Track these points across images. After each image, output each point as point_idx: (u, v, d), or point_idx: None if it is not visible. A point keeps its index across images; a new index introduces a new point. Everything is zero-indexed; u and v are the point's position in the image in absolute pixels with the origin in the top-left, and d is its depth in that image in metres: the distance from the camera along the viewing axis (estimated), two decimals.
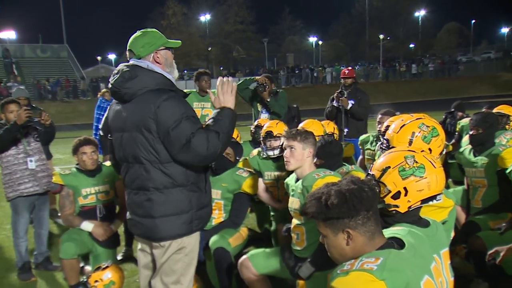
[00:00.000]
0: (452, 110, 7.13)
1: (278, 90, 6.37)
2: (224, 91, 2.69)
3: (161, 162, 2.58)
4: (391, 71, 44.07)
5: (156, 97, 2.53)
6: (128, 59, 2.72)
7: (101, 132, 5.60)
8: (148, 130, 2.53)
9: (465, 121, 6.27)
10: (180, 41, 2.81)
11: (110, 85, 2.67)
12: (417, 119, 2.87)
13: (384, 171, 2.14)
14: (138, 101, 2.58)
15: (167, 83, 2.65)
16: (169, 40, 2.75)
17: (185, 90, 2.86)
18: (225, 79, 2.74)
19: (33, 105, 6.18)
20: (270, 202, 4.49)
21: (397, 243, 1.84)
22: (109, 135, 2.88)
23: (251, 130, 5.59)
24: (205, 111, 6.18)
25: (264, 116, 6.26)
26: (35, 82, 34.76)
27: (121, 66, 2.68)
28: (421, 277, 1.72)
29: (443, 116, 7.18)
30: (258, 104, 6.38)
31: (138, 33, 2.72)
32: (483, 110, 6.06)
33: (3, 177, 4.58)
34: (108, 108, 2.95)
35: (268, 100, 6.03)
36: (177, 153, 2.53)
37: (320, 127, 4.96)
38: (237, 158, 4.28)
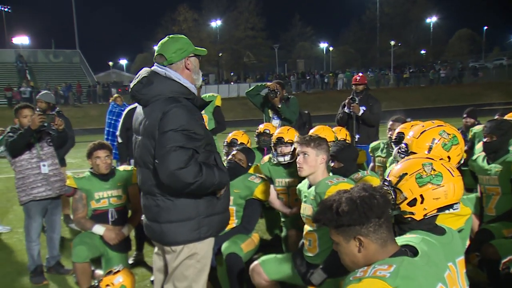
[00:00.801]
0: (465, 116, 7.11)
1: (289, 96, 6.35)
2: None
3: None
4: (402, 78, 43.89)
5: (165, 105, 2.53)
6: (154, 62, 2.72)
7: (119, 139, 5.60)
8: (153, 137, 2.55)
9: (477, 128, 6.24)
10: (206, 50, 2.81)
11: (130, 89, 2.71)
12: (438, 126, 2.85)
13: (401, 177, 2.13)
14: (152, 107, 2.60)
15: (183, 91, 2.64)
16: (197, 47, 2.75)
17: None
18: None
19: (59, 111, 6.23)
20: (282, 208, 4.48)
21: (411, 250, 1.83)
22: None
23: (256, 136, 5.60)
24: None
25: (275, 122, 6.26)
26: (48, 87, 35.07)
27: (143, 71, 2.70)
28: (435, 285, 1.72)
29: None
30: (269, 110, 6.38)
31: (167, 38, 2.71)
32: (496, 117, 6.02)
33: (16, 181, 4.61)
34: (126, 109, 2.99)
35: (279, 106, 6.02)
36: (157, 157, 2.50)
37: (331, 133, 4.95)
38: (249, 164, 4.28)
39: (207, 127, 6.21)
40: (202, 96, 6.05)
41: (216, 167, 2.66)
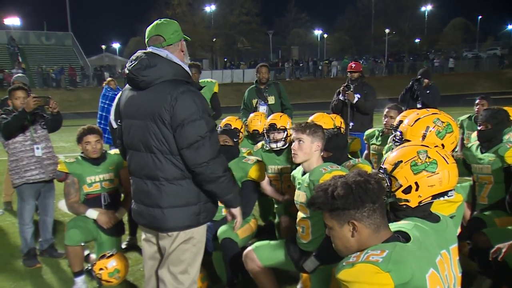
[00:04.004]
0: (419, 77, 7.26)
1: (277, 82, 6.57)
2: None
3: (172, 154, 2.57)
4: (396, 66, 43.89)
5: (173, 88, 2.52)
6: (147, 45, 2.70)
7: (113, 124, 5.58)
8: (162, 120, 2.52)
9: (464, 117, 6.56)
10: (189, 38, 2.85)
11: (126, 71, 2.65)
12: (432, 114, 2.87)
13: (396, 165, 2.14)
14: (154, 90, 2.56)
15: (184, 74, 2.63)
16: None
17: None
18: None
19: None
20: (274, 194, 4.49)
21: (403, 236, 1.85)
22: (119, 121, 2.87)
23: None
24: None
25: (262, 108, 6.33)
26: (40, 70, 34.78)
27: (139, 53, 2.66)
28: (426, 270, 1.74)
29: (410, 83, 7.27)
30: (253, 100, 6.52)
31: (159, 21, 2.71)
32: (477, 100, 6.17)
33: (9, 163, 4.59)
34: (120, 93, 2.94)
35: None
36: (182, 147, 2.53)
37: (330, 120, 4.96)
38: (235, 140, 4.28)
39: None
40: (200, 81, 6.10)
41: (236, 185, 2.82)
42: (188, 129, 2.49)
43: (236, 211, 2.86)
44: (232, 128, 5.12)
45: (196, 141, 2.50)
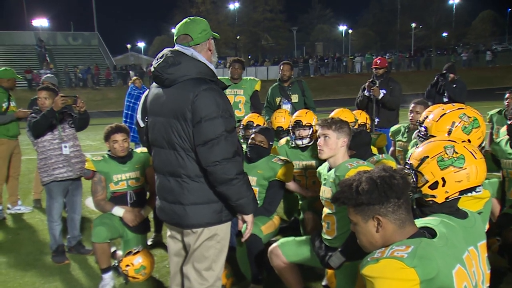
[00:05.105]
0: (444, 72, 7.11)
1: (301, 80, 6.56)
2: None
3: (194, 151, 2.58)
4: (423, 61, 43.19)
5: (196, 86, 2.52)
6: (175, 43, 2.71)
7: (141, 123, 5.63)
8: (184, 118, 2.53)
9: (494, 111, 6.43)
10: (218, 35, 2.83)
11: (152, 69, 2.67)
12: (458, 109, 2.80)
13: (422, 160, 2.11)
14: (178, 88, 2.58)
15: (208, 73, 2.63)
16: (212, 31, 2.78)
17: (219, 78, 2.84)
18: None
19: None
20: (298, 190, 4.48)
21: (429, 232, 1.83)
22: (146, 118, 2.89)
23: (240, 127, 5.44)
24: (237, 98, 6.24)
25: (285, 106, 6.32)
26: (67, 70, 35.42)
27: (166, 50, 2.68)
28: (453, 266, 1.71)
29: (435, 78, 7.16)
30: (276, 99, 6.51)
31: (188, 19, 2.71)
32: (507, 95, 6.04)
33: (38, 162, 4.69)
34: (147, 91, 2.97)
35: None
36: (198, 144, 2.52)
37: (350, 114, 4.92)
38: (270, 143, 4.27)
39: (243, 110, 6.27)
40: (243, 79, 6.17)
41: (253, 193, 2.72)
42: (205, 126, 2.48)
43: (248, 218, 2.74)
44: (255, 125, 5.10)
45: (211, 139, 2.48)
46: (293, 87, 6.49)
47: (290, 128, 4.65)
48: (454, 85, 7.10)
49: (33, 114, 4.59)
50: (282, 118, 5.43)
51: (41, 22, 44.69)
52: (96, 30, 45.36)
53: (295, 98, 6.42)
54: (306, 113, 4.68)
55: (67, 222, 4.94)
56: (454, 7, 56.08)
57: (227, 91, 6.12)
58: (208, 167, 2.52)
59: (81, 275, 4.44)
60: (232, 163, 2.53)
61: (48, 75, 7.56)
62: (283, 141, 4.89)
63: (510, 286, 3.53)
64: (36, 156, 4.76)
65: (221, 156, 2.49)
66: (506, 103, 6.10)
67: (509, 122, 3.99)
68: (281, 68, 6.57)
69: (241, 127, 5.34)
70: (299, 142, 4.52)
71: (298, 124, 4.54)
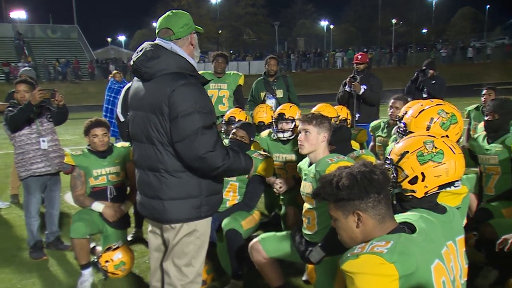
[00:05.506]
0: (424, 68, 7.20)
1: (286, 75, 6.56)
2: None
3: (172, 146, 2.56)
4: (403, 57, 43.57)
5: (174, 80, 2.49)
6: (157, 36, 2.68)
7: (121, 118, 5.53)
8: (161, 113, 2.51)
9: (472, 107, 6.53)
10: (202, 29, 2.80)
11: (132, 62, 2.65)
12: (437, 105, 2.84)
13: (402, 155, 2.12)
14: (156, 82, 2.55)
15: (188, 67, 2.61)
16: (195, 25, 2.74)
17: (200, 72, 2.82)
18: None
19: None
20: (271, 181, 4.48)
21: (409, 228, 1.84)
22: (127, 113, 2.86)
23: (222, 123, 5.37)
24: (221, 93, 6.20)
25: (269, 101, 6.31)
26: (45, 63, 34.87)
27: (146, 44, 2.65)
28: (432, 261, 1.73)
29: (415, 74, 7.24)
30: (261, 93, 6.49)
31: (170, 13, 2.67)
32: (485, 91, 6.12)
33: (15, 156, 4.61)
34: (127, 86, 2.93)
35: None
36: (177, 141, 2.50)
37: (333, 110, 4.94)
38: (251, 139, 4.26)
39: (227, 104, 6.24)
40: (226, 73, 6.13)
41: (242, 153, 2.74)
42: (182, 122, 2.46)
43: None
44: (237, 120, 5.08)
45: (188, 136, 2.46)
46: (278, 82, 6.50)
47: (273, 120, 4.65)
48: (434, 81, 7.17)
49: (10, 108, 4.50)
50: (264, 113, 5.43)
51: (19, 14, 43.79)
52: (76, 23, 44.66)
53: (280, 93, 6.43)
54: (291, 106, 4.69)
55: (45, 217, 4.87)
56: (434, 3, 56.66)
57: (211, 86, 6.08)
58: (192, 163, 2.52)
59: (59, 271, 4.38)
60: (215, 153, 2.53)
61: (26, 68, 7.43)
62: (265, 133, 4.89)
63: (487, 280, 3.58)
64: (14, 150, 4.67)
65: (203, 150, 2.48)
66: (483, 99, 6.18)
67: (486, 118, 4.05)
68: (267, 63, 6.56)
69: (222, 122, 5.31)
70: (280, 135, 4.52)
71: (281, 117, 4.54)
